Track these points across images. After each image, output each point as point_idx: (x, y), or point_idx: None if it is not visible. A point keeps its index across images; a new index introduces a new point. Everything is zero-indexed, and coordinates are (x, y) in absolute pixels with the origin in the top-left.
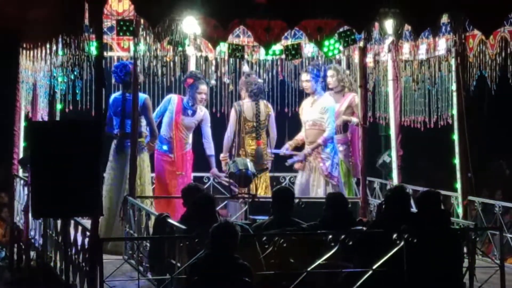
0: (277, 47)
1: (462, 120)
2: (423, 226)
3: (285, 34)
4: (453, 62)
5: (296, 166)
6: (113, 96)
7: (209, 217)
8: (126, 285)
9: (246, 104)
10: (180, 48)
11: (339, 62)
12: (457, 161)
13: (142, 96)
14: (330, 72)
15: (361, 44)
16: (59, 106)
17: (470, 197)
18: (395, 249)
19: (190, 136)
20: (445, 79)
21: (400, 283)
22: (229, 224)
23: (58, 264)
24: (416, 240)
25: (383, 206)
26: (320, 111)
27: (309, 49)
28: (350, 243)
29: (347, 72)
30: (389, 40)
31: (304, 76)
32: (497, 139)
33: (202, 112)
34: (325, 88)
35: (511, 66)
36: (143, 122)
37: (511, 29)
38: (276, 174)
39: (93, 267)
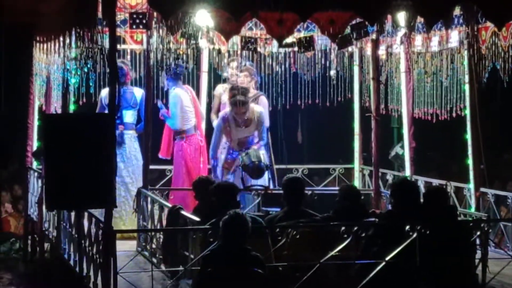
0: (290, 40)
1: (475, 112)
2: (432, 220)
3: (298, 26)
4: (465, 54)
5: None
6: (104, 91)
7: (231, 204)
8: (139, 276)
9: None
10: (193, 41)
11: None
12: (469, 153)
13: (139, 90)
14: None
15: (374, 36)
16: (72, 99)
17: (482, 189)
18: (408, 241)
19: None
20: (458, 71)
21: (411, 275)
22: (239, 215)
23: (72, 256)
24: (428, 232)
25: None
26: None
27: (321, 41)
28: (363, 235)
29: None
30: (401, 32)
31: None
32: (510, 131)
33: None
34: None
35: None
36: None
37: None
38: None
39: (106, 259)
